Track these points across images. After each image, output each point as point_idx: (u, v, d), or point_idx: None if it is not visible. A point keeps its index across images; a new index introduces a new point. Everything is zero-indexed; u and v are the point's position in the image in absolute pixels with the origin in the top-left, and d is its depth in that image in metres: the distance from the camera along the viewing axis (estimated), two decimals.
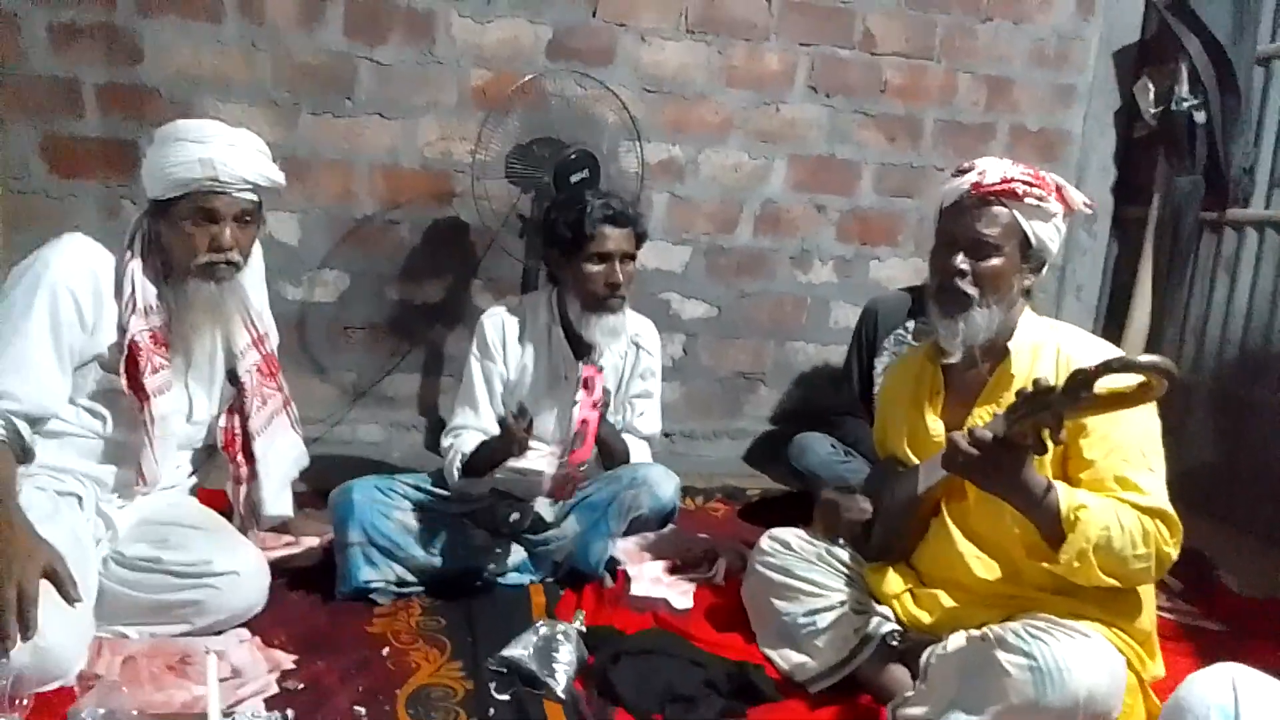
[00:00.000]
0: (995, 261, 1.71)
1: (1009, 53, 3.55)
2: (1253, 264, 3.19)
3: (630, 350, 2.45)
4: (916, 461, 1.86)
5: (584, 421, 2.01)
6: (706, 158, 3.39)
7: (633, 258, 2.34)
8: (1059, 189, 1.76)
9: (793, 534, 2.02)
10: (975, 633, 1.64)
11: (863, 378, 2.88)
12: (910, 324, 2.81)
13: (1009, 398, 1.62)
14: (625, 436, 2.42)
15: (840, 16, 3.38)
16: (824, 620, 1.88)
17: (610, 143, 2.85)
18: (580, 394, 2.04)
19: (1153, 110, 3.36)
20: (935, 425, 1.84)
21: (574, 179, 2.66)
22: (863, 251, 3.59)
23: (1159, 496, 1.61)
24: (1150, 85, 3.38)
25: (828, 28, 3.38)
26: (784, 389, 3.63)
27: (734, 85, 3.36)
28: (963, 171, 1.77)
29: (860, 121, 3.48)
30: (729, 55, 3.33)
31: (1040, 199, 1.71)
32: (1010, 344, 1.76)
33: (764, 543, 2.03)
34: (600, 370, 2.15)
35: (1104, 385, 1.35)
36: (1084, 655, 1.53)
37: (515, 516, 2.25)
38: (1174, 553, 1.60)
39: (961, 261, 1.72)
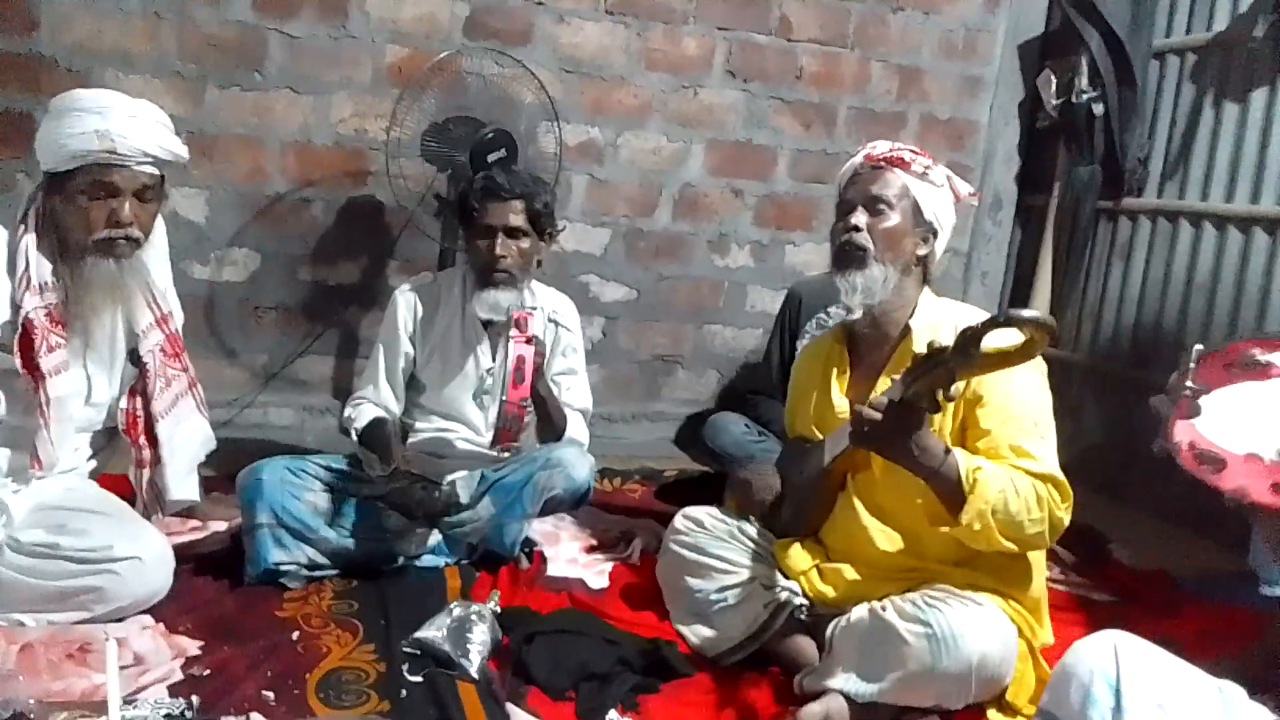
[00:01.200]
0: (890, 221, 1.82)
1: (919, 42, 3.64)
2: (1145, 251, 3.34)
3: (549, 328, 2.45)
4: (819, 437, 1.91)
5: (520, 358, 2.05)
6: (625, 140, 3.40)
7: (523, 232, 2.30)
8: (948, 178, 1.88)
9: (705, 512, 2.07)
10: (877, 604, 1.71)
11: (783, 361, 2.93)
12: (832, 309, 2.87)
13: None
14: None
15: (757, 2, 3.42)
16: (734, 596, 1.92)
17: (528, 123, 2.84)
18: (513, 332, 2.07)
19: (1054, 101, 3.48)
20: (840, 401, 1.90)
21: (491, 158, 2.64)
22: (779, 236, 3.64)
23: (1050, 462, 1.69)
24: (1053, 77, 3.50)
25: (745, 13, 3.41)
26: (701, 371, 3.67)
27: (653, 68, 3.37)
28: (860, 151, 1.91)
29: (776, 107, 3.53)
30: (648, 38, 3.34)
31: (926, 167, 1.84)
32: (911, 322, 1.84)
33: (678, 521, 2.07)
34: (530, 312, 2.16)
35: (991, 344, 1.40)
36: (977, 623, 1.61)
37: (432, 497, 2.24)
38: (1066, 517, 1.68)
39: (859, 219, 1.82)
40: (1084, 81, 3.35)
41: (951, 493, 1.63)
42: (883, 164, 1.84)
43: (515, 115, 2.78)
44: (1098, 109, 3.33)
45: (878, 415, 1.58)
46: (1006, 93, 3.77)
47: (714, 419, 2.89)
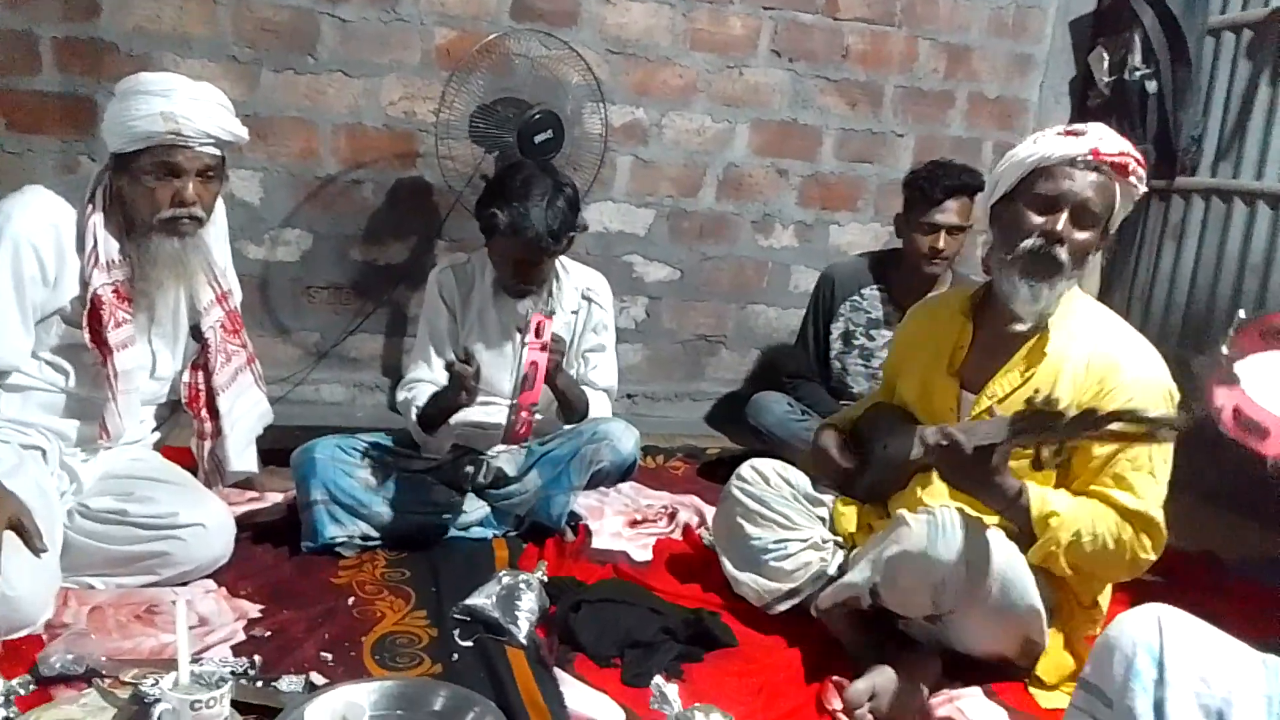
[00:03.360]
0: (1091, 233, 1.68)
1: (968, 21, 3.60)
2: (1198, 231, 3.29)
3: (582, 305, 2.48)
4: (920, 417, 1.88)
5: (533, 364, 2.04)
6: (670, 121, 3.41)
7: (549, 255, 2.32)
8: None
9: (772, 467, 2.04)
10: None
11: (818, 343, 2.95)
12: (865, 290, 2.88)
13: (1038, 372, 1.68)
14: (583, 389, 2.46)
15: None
16: (792, 548, 1.93)
17: (575, 104, 2.87)
18: (529, 337, 2.06)
19: (1106, 79, 3.43)
20: (950, 385, 1.83)
21: (538, 139, 2.68)
22: (823, 216, 3.64)
23: (1151, 503, 1.65)
24: (1105, 55, 3.45)
25: None
26: (745, 351, 3.69)
27: (698, 48, 3.38)
28: (1071, 134, 1.71)
29: (822, 87, 3.52)
30: (693, 18, 3.34)
31: (1140, 180, 1.71)
32: (1052, 319, 1.73)
33: (744, 470, 2.04)
34: (550, 315, 2.17)
35: (1116, 427, 1.39)
36: (979, 528, 1.60)
37: (480, 471, 2.29)
38: (1151, 558, 1.65)
39: (1064, 225, 1.66)
40: (1137, 59, 3.30)
41: (1022, 527, 1.63)
42: (1107, 167, 1.67)
43: (562, 96, 2.82)
44: (1151, 87, 3.27)
45: (968, 451, 1.53)
46: (1057, 71, 3.72)
47: (756, 398, 2.91)
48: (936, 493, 1.80)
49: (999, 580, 1.58)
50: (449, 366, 2.08)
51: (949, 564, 1.57)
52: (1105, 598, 1.82)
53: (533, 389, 2.03)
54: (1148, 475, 1.66)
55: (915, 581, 1.61)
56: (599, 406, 2.45)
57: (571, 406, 2.36)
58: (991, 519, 1.67)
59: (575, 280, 2.48)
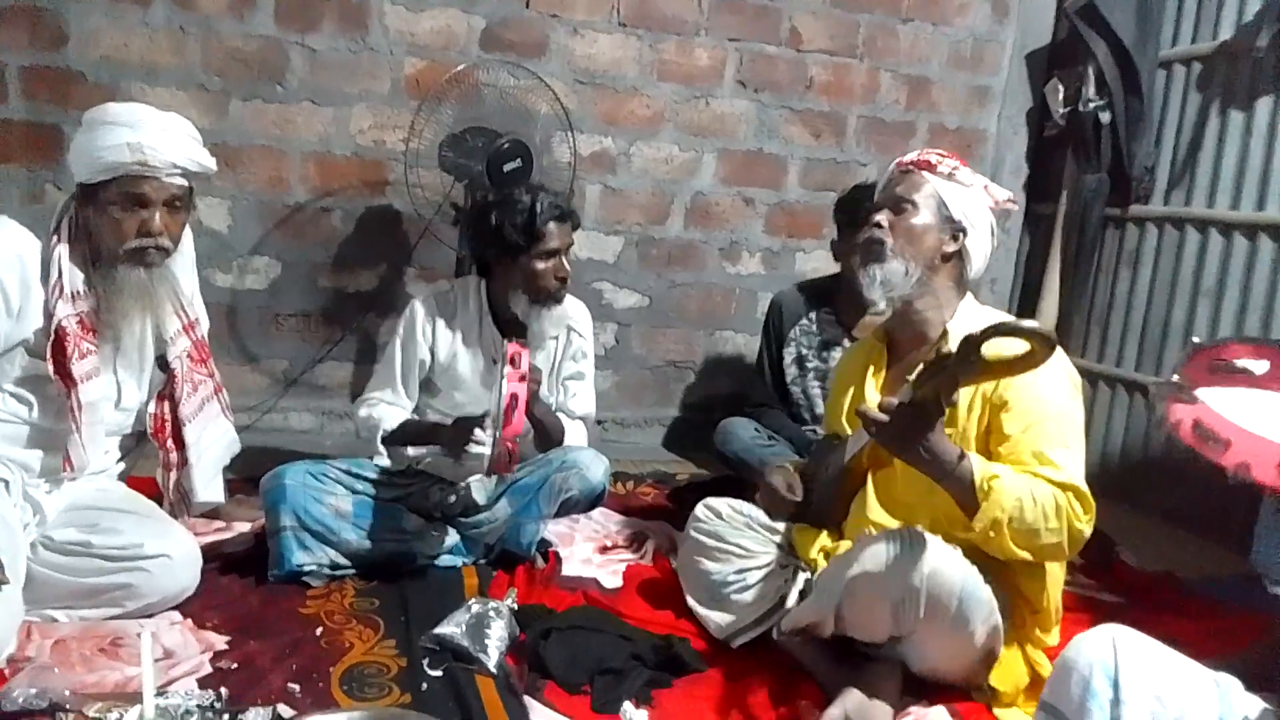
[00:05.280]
0: (912, 218, 1.87)
1: (928, 53, 3.69)
2: (1153, 258, 3.37)
3: (562, 332, 2.50)
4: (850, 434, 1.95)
5: (513, 395, 2.06)
6: (638, 150, 3.46)
7: (571, 245, 2.42)
8: (985, 186, 1.92)
9: (725, 503, 2.13)
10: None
11: (774, 370, 3.00)
12: (813, 313, 2.94)
13: None
14: (560, 416, 2.47)
15: (768, 14, 3.47)
16: (752, 578, 1.99)
17: (543, 134, 2.90)
18: (507, 369, 2.08)
19: (1062, 110, 3.52)
20: (873, 398, 1.92)
21: (507, 168, 2.70)
22: (789, 244, 3.69)
23: (1073, 472, 1.69)
24: (1060, 87, 3.54)
25: (756, 25, 3.47)
26: (713, 377, 3.72)
27: (665, 79, 3.43)
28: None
29: (787, 117, 3.58)
30: (660, 50, 3.40)
31: (953, 168, 1.89)
32: (949, 325, 1.87)
33: (698, 510, 2.14)
34: (525, 346, 2.20)
35: (994, 352, 1.44)
36: (940, 547, 1.64)
37: (450, 500, 2.30)
38: (1086, 529, 1.68)
39: (881, 217, 1.88)
40: (1091, 91, 3.39)
41: (966, 498, 1.65)
42: (911, 168, 1.91)
43: (530, 126, 2.85)
44: (1105, 118, 3.37)
45: (884, 416, 1.61)
46: (1014, 102, 3.82)
47: (724, 424, 2.94)
48: (886, 505, 1.87)
49: (958, 597, 1.62)
50: (464, 421, 2.14)
51: (909, 583, 1.61)
52: (1056, 605, 1.85)
53: (514, 422, 2.04)
54: (1063, 448, 1.70)
55: (876, 600, 1.65)
56: (575, 435, 2.47)
57: (548, 435, 2.38)
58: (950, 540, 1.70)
59: (555, 308, 2.49)
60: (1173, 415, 1.67)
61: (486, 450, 2.09)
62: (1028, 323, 1.41)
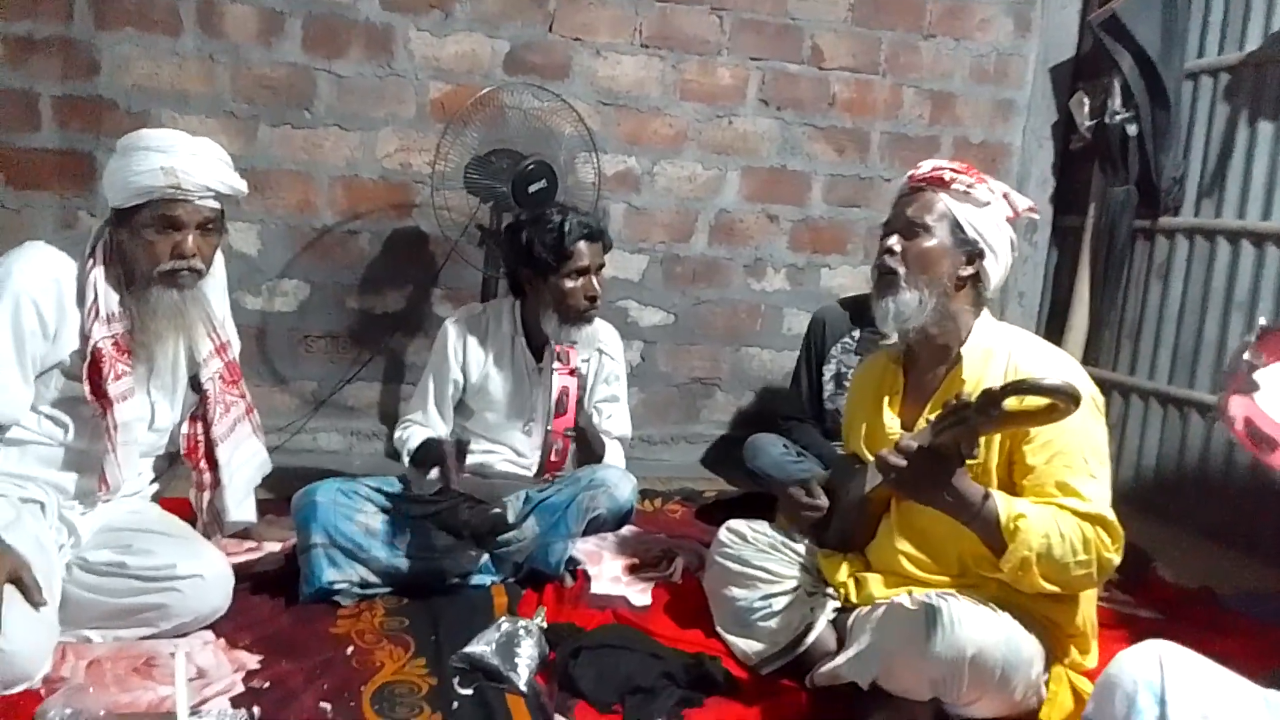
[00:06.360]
0: (925, 243, 1.80)
1: (951, 68, 3.68)
2: (1183, 270, 3.33)
3: (594, 356, 2.51)
4: (870, 458, 1.92)
5: (564, 389, 2.08)
6: (662, 169, 3.47)
7: (603, 267, 2.44)
8: (1005, 195, 1.84)
9: (748, 525, 2.10)
10: (897, 597, 1.72)
11: (812, 386, 2.98)
12: (856, 333, 2.91)
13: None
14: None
15: (789, 33, 3.49)
16: (778, 604, 1.95)
17: (568, 154, 2.92)
18: (556, 365, 2.10)
19: (1088, 123, 3.50)
20: (891, 422, 1.90)
21: (532, 189, 2.72)
22: (814, 260, 3.69)
23: (1100, 503, 1.65)
24: (1085, 99, 3.52)
25: (778, 44, 3.48)
26: (739, 394, 3.71)
27: (688, 99, 3.45)
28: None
29: (810, 134, 3.59)
30: (682, 70, 3.42)
31: (968, 186, 1.80)
32: (964, 349, 1.81)
33: (722, 534, 2.10)
34: (573, 346, 2.21)
35: (1017, 403, 1.41)
36: (982, 618, 1.59)
37: (479, 518, 2.30)
38: (1115, 559, 1.64)
39: (894, 242, 1.82)
40: (1117, 103, 3.36)
41: (993, 539, 1.62)
42: (923, 185, 1.83)
43: (555, 147, 2.87)
44: (1131, 130, 3.34)
45: (903, 461, 1.57)
46: (1039, 116, 3.80)
47: (753, 439, 2.93)
48: (910, 536, 1.83)
49: (1001, 667, 1.58)
50: (440, 446, 2.21)
51: (952, 665, 1.57)
52: (1092, 623, 1.82)
53: (565, 413, 2.06)
54: (1088, 477, 1.66)
55: (915, 676, 1.62)
56: (614, 454, 2.49)
57: (589, 446, 2.41)
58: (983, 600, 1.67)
59: (585, 328, 2.50)
60: (1230, 408, 1.63)
61: (508, 457, 2.12)
62: (1049, 381, 1.38)
